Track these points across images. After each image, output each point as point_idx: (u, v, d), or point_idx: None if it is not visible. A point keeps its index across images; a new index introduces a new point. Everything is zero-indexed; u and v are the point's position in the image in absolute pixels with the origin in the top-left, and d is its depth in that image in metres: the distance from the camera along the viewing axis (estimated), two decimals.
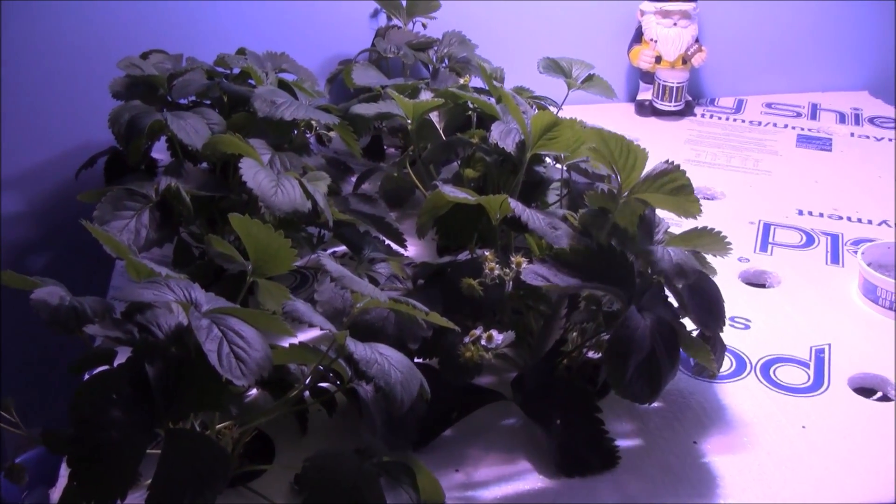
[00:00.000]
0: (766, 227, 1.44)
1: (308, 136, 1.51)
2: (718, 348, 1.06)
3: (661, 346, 0.96)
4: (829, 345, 1.17)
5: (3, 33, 1.62)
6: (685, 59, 1.77)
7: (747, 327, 1.20)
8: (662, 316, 0.97)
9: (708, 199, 1.55)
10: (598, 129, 1.02)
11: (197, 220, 1.25)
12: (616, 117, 1.83)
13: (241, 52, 1.54)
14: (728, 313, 1.21)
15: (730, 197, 1.54)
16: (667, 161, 1.03)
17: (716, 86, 1.93)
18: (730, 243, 1.04)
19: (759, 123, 1.82)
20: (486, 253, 1.02)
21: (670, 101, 1.80)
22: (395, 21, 1.68)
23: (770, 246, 1.39)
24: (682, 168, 1.00)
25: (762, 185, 1.57)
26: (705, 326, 1.03)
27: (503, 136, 1.16)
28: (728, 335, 1.17)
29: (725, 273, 1.31)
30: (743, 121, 1.83)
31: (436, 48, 1.63)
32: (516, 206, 1.02)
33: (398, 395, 0.78)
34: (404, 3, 1.68)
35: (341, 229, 1.23)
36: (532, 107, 1.38)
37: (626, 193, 1.03)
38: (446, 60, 1.67)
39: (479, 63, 1.33)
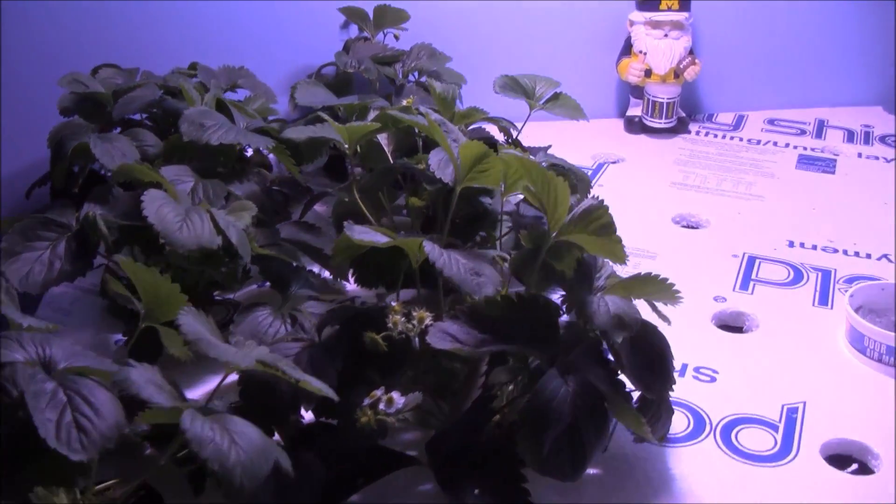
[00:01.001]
0: (751, 260, 1.31)
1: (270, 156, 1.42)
2: (663, 413, 0.94)
3: (586, 416, 0.84)
4: (804, 403, 1.03)
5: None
6: (677, 73, 1.64)
7: (713, 380, 1.08)
8: (589, 380, 0.85)
9: (691, 227, 1.42)
10: (522, 160, 0.90)
11: (123, 249, 1.15)
12: (604, 134, 1.71)
13: (193, 66, 1.45)
14: (694, 362, 1.10)
15: (715, 225, 1.41)
16: (593, 196, 0.91)
17: (714, 100, 1.79)
18: (678, 292, 0.92)
19: (758, 142, 1.68)
20: (393, 303, 0.90)
21: (661, 118, 1.67)
22: (365, 33, 1.57)
23: (752, 283, 1.25)
24: (605, 204, 0.88)
25: (752, 212, 1.44)
26: (647, 388, 0.90)
27: (442, 165, 1.05)
28: (690, 389, 1.05)
29: (697, 315, 1.19)
30: (741, 139, 1.69)
31: (403, 62, 1.52)
32: (431, 249, 0.90)
33: (236, 479, 0.67)
34: (371, 14, 1.57)
35: (267, 264, 1.13)
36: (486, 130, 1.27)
37: (554, 234, 0.90)
38: (415, 74, 1.55)
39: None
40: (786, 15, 1.72)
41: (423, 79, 1.58)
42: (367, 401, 0.86)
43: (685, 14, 1.62)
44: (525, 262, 0.93)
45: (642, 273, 0.92)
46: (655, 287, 0.92)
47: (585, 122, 1.70)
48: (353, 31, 1.65)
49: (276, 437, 0.88)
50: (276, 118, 1.44)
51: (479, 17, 1.69)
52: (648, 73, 1.64)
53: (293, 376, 0.76)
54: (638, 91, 1.68)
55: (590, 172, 1.56)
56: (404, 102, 1.20)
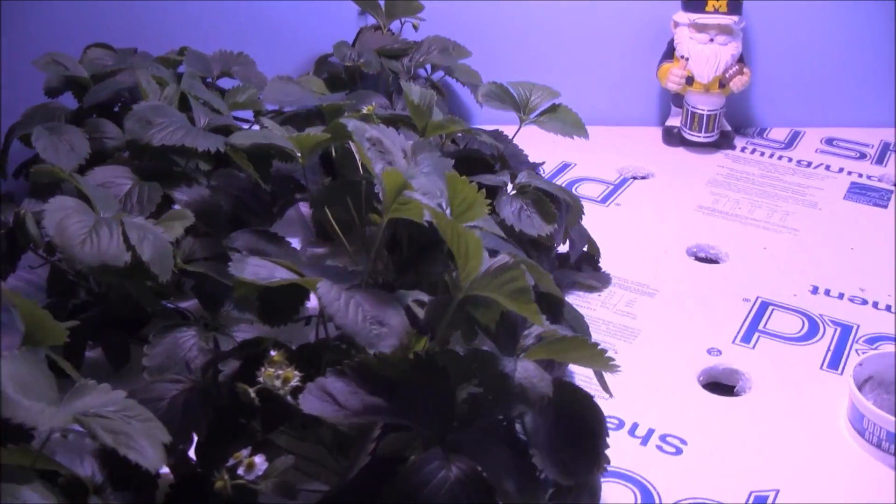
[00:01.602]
0: (763, 307, 1.15)
1: None
2: (584, 500, 0.80)
3: None
4: (777, 492, 0.89)
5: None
6: (723, 83, 1.47)
7: (678, 452, 0.94)
8: (476, 467, 0.72)
9: (708, 260, 1.26)
10: (433, 209, 0.78)
11: None
12: (638, 145, 1.55)
13: (182, 51, 1.36)
14: (662, 429, 0.96)
15: (734, 260, 1.25)
16: (508, 254, 0.78)
17: (768, 114, 1.61)
18: (612, 359, 0.78)
19: (809, 164, 1.50)
20: (273, 353, 0.79)
21: (700, 131, 1.50)
22: (377, 22, 1.46)
23: (756, 335, 1.10)
24: (521, 266, 0.75)
25: (781, 247, 1.27)
26: (564, 472, 0.78)
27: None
28: (648, 460, 0.93)
29: (683, 370, 1.05)
30: (790, 159, 1.51)
31: (411, 56, 1.39)
32: (326, 292, 0.79)
33: None
34: (382, 3, 1.45)
35: (199, 279, 1.03)
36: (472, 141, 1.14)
37: (467, 286, 0.78)
38: (428, 70, 1.43)
39: (407, 88, 1.08)
40: (853, 20, 1.53)
41: (439, 75, 1.46)
42: (231, 461, 0.75)
43: (734, 18, 1.45)
44: (436, 312, 0.81)
45: (570, 336, 0.79)
46: (585, 352, 0.79)
47: (624, 129, 1.58)
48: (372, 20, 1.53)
49: None
50: (275, 110, 1.33)
51: (512, 11, 1.55)
52: (690, 80, 1.47)
53: (105, 443, 0.65)
54: (679, 99, 1.52)
55: (610, 189, 1.42)
56: (364, 110, 1.08)
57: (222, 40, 1.43)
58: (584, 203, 1.34)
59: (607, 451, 0.81)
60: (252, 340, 0.90)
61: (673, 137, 1.54)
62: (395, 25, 1.49)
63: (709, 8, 1.45)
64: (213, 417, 0.82)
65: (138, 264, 0.91)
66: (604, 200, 1.39)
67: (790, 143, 1.57)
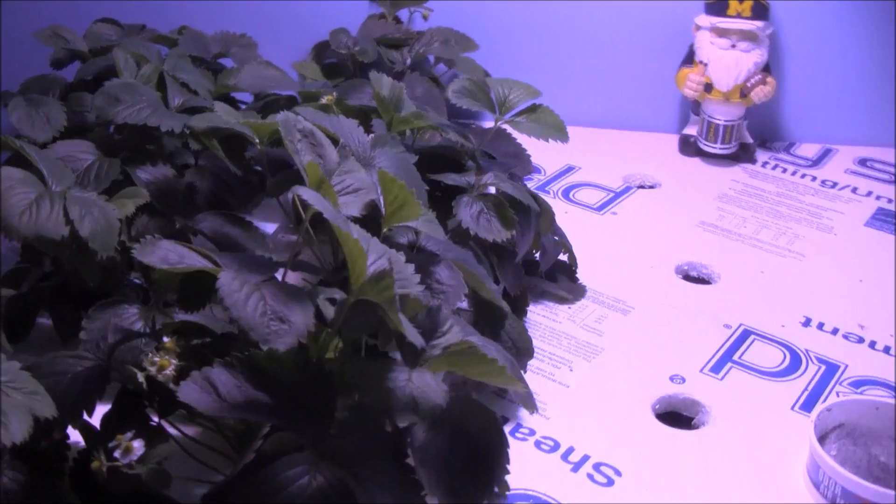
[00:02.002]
0: (745, 335, 1.07)
1: None
2: None
3: None
4: None
5: None
6: (744, 92, 1.39)
7: (610, 483, 0.87)
8: (342, 478, 0.68)
9: (699, 280, 1.19)
10: (320, 208, 0.73)
11: None
12: (651, 152, 1.48)
13: (181, 30, 1.34)
14: (598, 457, 0.90)
15: (726, 282, 1.17)
16: (454, 259, 0.75)
17: (798, 128, 1.51)
18: (513, 378, 0.73)
19: (834, 185, 1.40)
20: (166, 340, 0.76)
21: (716, 142, 1.42)
22: (381, 9, 1.41)
23: (728, 366, 1.03)
24: (392, 276, 0.70)
25: (779, 272, 1.19)
26: (451, 494, 0.73)
27: None
28: (573, 488, 0.87)
29: (639, 396, 0.98)
30: (814, 178, 1.42)
31: (411, 46, 1.34)
32: (226, 283, 0.75)
33: None
34: None
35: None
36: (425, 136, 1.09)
37: (357, 290, 0.73)
38: (432, 60, 1.38)
39: (377, 81, 1.03)
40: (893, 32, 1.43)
41: (442, 68, 1.42)
42: (112, 443, 0.73)
43: (759, 23, 1.36)
44: (339, 313, 0.76)
45: (472, 350, 0.74)
46: (486, 367, 0.73)
47: (642, 134, 1.51)
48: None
49: None
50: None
51: (531, 9, 1.49)
52: (709, 87, 1.39)
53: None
54: (699, 107, 1.44)
55: (610, 196, 1.35)
56: (324, 100, 1.03)
57: (233, 21, 1.41)
58: (578, 210, 1.30)
59: (508, 476, 0.76)
60: (174, 324, 0.87)
61: (689, 147, 1.46)
62: (404, 15, 1.44)
63: (731, 12, 1.36)
64: (118, 398, 0.81)
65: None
66: (600, 208, 1.32)
67: (818, 160, 1.47)
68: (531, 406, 0.83)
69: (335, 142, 0.94)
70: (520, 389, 0.75)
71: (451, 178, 1.03)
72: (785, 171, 1.44)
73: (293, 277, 1.00)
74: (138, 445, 0.72)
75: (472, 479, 0.74)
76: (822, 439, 0.90)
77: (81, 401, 0.78)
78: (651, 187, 1.39)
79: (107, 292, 1.02)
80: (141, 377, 0.74)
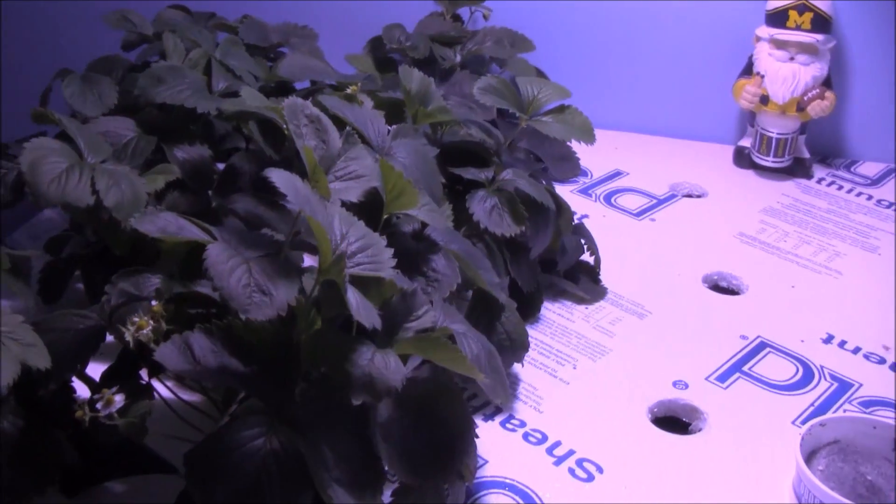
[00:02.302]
0: (760, 347, 1.06)
1: None
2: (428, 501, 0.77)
3: (274, 482, 0.71)
4: None
5: None
6: (801, 106, 1.36)
7: (590, 478, 0.89)
8: (297, 447, 0.71)
9: (725, 290, 1.18)
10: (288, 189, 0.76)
11: None
12: (703, 162, 1.47)
13: (243, 19, 1.39)
14: (583, 452, 0.91)
15: (753, 294, 1.16)
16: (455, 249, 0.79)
17: (862, 146, 1.47)
18: (474, 368, 0.75)
19: (890, 205, 1.36)
20: (154, 304, 0.80)
21: (769, 155, 1.40)
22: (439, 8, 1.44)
23: (736, 375, 1.02)
24: (341, 262, 0.73)
25: (811, 288, 1.17)
26: (411, 471, 0.75)
27: None
28: (551, 480, 0.88)
29: (636, 398, 0.98)
30: (869, 197, 1.38)
31: (463, 45, 1.37)
32: (214, 254, 0.78)
33: None
34: None
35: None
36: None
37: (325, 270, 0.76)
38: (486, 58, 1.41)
39: (404, 73, 1.06)
40: None
41: (495, 68, 1.44)
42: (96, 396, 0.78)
43: (819, 36, 1.34)
44: (311, 291, 0.80)
45: (435, 336, 0.76)
46: (447, 354, 0.75)
47: (690, 145, 1.50)
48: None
49: None
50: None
51: (594, 14, 1.50)
52: (766, 100, 1.37)
53: None
54: (754, 119, 1.42)
55: (652, 203, 1.35)
56: (349, 90, 1.06)
57: (301, 14, 1.45)
58: (617, 214, 1.31)
59: (487, 464, 0.78)
60: (166, 291, 0.91)
61: (743, 159, 1.44)
62: (466, 14, 1.47)
63: (790, 24, 1.34)
64: (118, 357, 0.86)
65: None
66: (639, 214, 1.32)
67: (879, 180, 1.43)
68: (500, 397, 0.84)
69: (356, 132, 0.98)
70: (482, 379, 0.77)
71: (469, 173, 1.05)
72: (840, 188, 1.41)
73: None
74: (119, 399, 0.76)
75: (434, 460, 0.76)
76: (813, 454, 0.89)
77: (75, 355, 0.82)
78: (699, 196, 1.38)
79: (139, 262, 1.08)
80: (128, 336, 0.78)
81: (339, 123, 1.03)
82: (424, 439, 0.77)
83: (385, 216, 0.90)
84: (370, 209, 0.90)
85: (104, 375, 0.85)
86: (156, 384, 0.85)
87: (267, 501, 0.70)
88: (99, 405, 0.77)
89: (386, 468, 0.75)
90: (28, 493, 0.81)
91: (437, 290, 0.89)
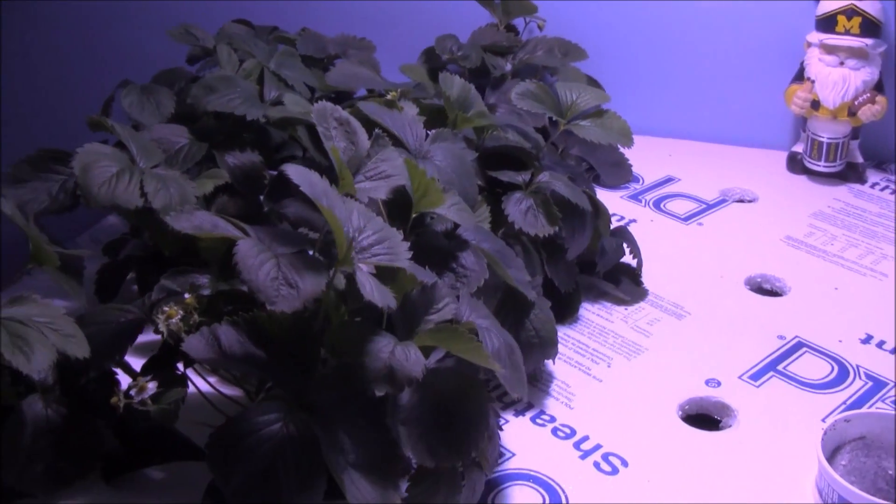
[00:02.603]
0: (796, 347, 1.07)
1: None
2: (442, 488, 0.80)
3: (289, 465, 0.74)
4: None
5: None
6: (852, 110, 1.36)
7: (615, 472, 0.90)
8: (311, 430, 0.74)
9: (768, 292, 1.18)
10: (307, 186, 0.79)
11: None
12: (756, 167, 1.47)
13: (302, 32, 1.44)
14: (610, 447, 0.92)
15: (795, 295, 1.16)
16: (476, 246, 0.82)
17: None
18: (489, 357, 0.77)
19: None
20: (187, 296, 0.85)
21: (820, 160, 1.40)
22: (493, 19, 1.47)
23: (770, 374, 1.02)
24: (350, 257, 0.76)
25: (855, 291, 1.17)
26: (429, 454, 0.78)
27: None
28: (576, 473, 0.91)
29: (668, 396, 1.00)
30: None
31: (514, 54, 1.40)
32: (244, 249, 0.82)
33: None
34: (498, 1, 1.46)
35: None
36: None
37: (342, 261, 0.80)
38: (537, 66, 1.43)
39: (445, 81, 1.10)
40: None
41: (548, 76, 1.46)
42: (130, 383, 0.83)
43: (868, 41, 1.33)
44: (329, 283, 0.83)
45: (452, 327, 0.79)
46: (464, 345, 0.78)
47: (745, 152, 1.50)
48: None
49: None
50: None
51: (647, 21, 1.52)
52: (817, 105, 1.37)
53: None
54: (805, 125, 1.42)
55: (701, 208, 1.35)
56: (388, 96, 1.10)
57: (365, 27, 1.50)
58: (665, 219, 1.32)
59: (514, 457, 0.84)
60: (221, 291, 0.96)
61: (796, 164, 1.44)
62: (521, 25, 1.50)
63: (839, 29, 1.34)
64: (160, 348, 0.89)
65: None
66: (687, 218, 1.33)
67: None
68: (518, 390, 0.86)
69: (393, 136, 1.02)
70: (498, 370, 0.79)
71: (506, 176, 1.08)
72: (894, 192, 1.39)
73: None
74: (151, 387, 0.81)
75: (450, 444, 0.78)
76: (838, 449, 0.90)
77: (114, 346, 0.87)
78: (751, 201, 1.38)
79: (189, 263, 1.13)
80: (161, 326, 0.83)
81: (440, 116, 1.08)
82: (441, 424, 0.79)
83: (414, 215, 0.93)
84: (401, 208, 0.94)
85: (144, 366, 0.89)
86: (198, 380, 0.90)
87: (282, 484, 0.74)
88: (133, 392, 0.81)
89: (403, 449, 0.78)
90: (71, 478, 0.86)
91: (465, 285, 0.92)
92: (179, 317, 0.81)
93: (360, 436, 0.77)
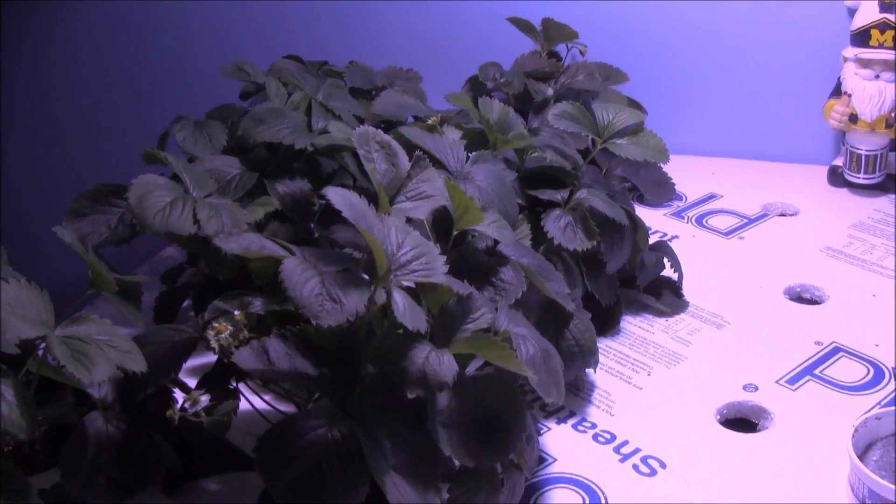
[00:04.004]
0: (833, 352, 1.09)
1: None
2: (484, 486, 0.83)
3: (333, 468, 0.78)
4: None
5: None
6: (889, 122, 1.38)
7: (653, 473, 0.94)
8: (355, 434, 0.79)
9: (808, 301, 1.20)
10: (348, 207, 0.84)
11: None
12: (797, 182, 1.49)
13: (350, 65, 1.50)
14: (648, 450, 0.96)
15: (833, 303, 1.18)
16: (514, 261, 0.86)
17: None
18: (522, 364, 0.81)
19: None
20: (236, 313, 0.90)
21: (860, 172, 1.42)
22: (536, 46, 1.52)
23: (806, 378, 1.05)
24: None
25: (893, 298, 1.18)
26: (468, 455, 0.82)
27: None
28: (615, 475, 0.94)
29: (706, 400, 1.02)
30: None
31: (557, 79, 1.44)
32: (290, 267, 0.87)
33: None
34: (539, 27, 1.50)
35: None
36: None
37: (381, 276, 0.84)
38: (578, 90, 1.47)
39: (483, 104, 1.15)
40: None
41: (592, 100, 1.50)
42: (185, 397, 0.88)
43: None
44: (370, 298, 0.88)
45: (485, 336, 0.83)
46: (497, 352, 0.82)
47: (786, 167, 1.52)
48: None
49: None
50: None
51: (682, 40, 1.56)
52: (854, 118, 1.39)
53: (56, 356, 0.78)
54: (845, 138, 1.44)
55: (742, 222, 1.38)
56: (429, 121, 1.15)
57: (408, 58, 1.55)
58: (706, 234, 1.35)
59: (556, 462, 0.88)
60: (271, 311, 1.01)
61: (837, 178, 1.46)
62: (563, 51, 1.54)
63: (873, 42, 1.37)
64: (215, 364, 0.95)
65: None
66: (728, 233, 1.36)
67: None
68: (553, 395, 0.88)
69: (434, 158, 1.06)
70: (530, 376, 0.83)
71: (545, 194, 1.12)
72: None
73: None
74: (204, 399, 0.86)
75: (489, 443, 0.82)
76: (870, 446, 0.92)
77: (169, 363, 0.92)
78: (792, 215, 1.41)
79: (245, 288, 1.18)
80: (212, 341, 0.88)
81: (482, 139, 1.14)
82: (480, 426, 0.83)
83: (455, 232, 0.98)
84: (442, 226, 0.99)
85: (199, 382, 0.94)
86: (253, 398, 0.95)
87: (327, 486, 0.78)
88: (187, 405, 0.86)
89: (443, 450, 0.82)
90: (132, 489, 0.90)
91: (503, 297, 0.97)
92: (229, 332, 0.86)
93: (400, 440, 0.81)
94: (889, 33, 1.36)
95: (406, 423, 0.82)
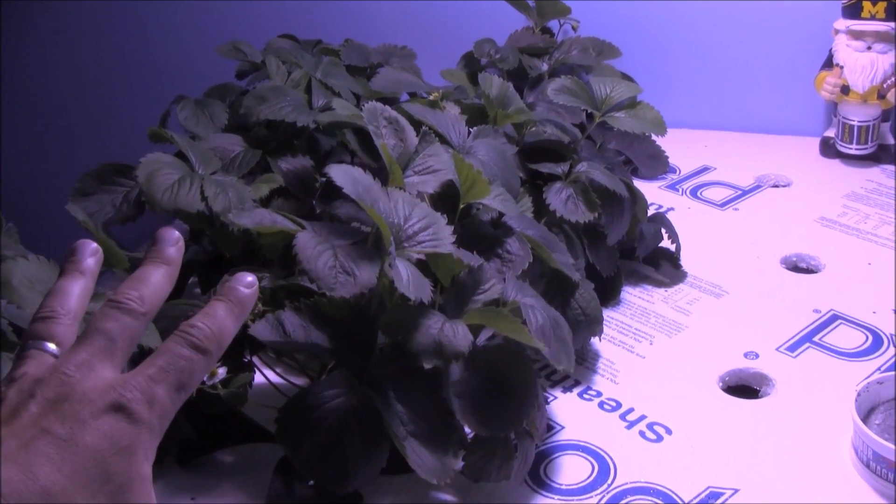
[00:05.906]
0: (832, 319, 1.11)
1: None
2: (499, 453, 0.85)
3: (353, 434, 0.81)
4: (735, 491, 0.88)
5: None
6: (881, 93, 1.40)
7: (659, 439, 0.95)
8: (373, 402, 0.80)
9: (804, 270, 1.22)
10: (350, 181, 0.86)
11: None
12: (789, 153, 1.51)
13: (345, 43, 1.50)
14: (654, 416, 0.97)
15: (829, 272, 1.21)
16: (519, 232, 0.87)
17: None
18: (532, 337, 0.83)
19: None
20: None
21: (852, 143, 1.44)
22: (529, 23, 1.53)
23: (806, 346, 1.07)
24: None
25: (888, 265, 1.21)
26: (481, 423, 0.84)
27: None
28: (622, 441, 0.95)
29: (708, 368, 1.04)
30: None
31: (551, 55, 1.45)
32: (304, 241, 0.89)
33: None
34: (532, 3, 1.52)
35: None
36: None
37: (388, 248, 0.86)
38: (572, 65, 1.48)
39: (483, 79, 1.16)
40: None
41: (583, 75, 1.51)
42: None
43: (894, 24, 1.37)
44: (379, 271, 0.89)
45: (495, 309, 0.84)
46: (507, 324, 0.83)
47: (779, 139, 1.54)
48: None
49: None
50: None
51: (674, 14, 1.57)
52: (846, 90, 1.41)
53: None
54: (836, 110, 1.46)
55: (737, 194, 1.40)
56: (430, 97, 1.16)
57: (402, 35, 1.56)
58: (701, 206, 1.37)
59: (564, 429, 0.90)
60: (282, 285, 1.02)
61: (829, 149, 1.48)
62: (556, 27, 1.55)
63: (865, 14, 1.38)
64: None
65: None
66: (723, 205, 1.37)
67: None
68: (563, 363, 0.90)
69: (437, 133, 1.08)
70: (541, 347, 0.84)
71: (546, 167, 1.14)
72: None
73: None
74: (221, 372, 0.87)
75: (502, 412, 0.84)
76: (872, 410, 0.94)
77: None
78: (785, 186, 1.43)
79: (252, 263, 1.19)
80: None
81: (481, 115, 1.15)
82: (493, 396, 0.85)
83: (462, 205, 0.99)
84: (449, 200, 1.00)
85: None
86: (266, 371, 0.96)
87: (348, 453, 0.80)
88: (204, 378, 0.88)
89: (459, 420, 0.83)
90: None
91: (510, 268, 0.98)
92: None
93: (417, 408, 0.83)
94: (881, 5, 1.38)
95: (421, 391, 0.84)
